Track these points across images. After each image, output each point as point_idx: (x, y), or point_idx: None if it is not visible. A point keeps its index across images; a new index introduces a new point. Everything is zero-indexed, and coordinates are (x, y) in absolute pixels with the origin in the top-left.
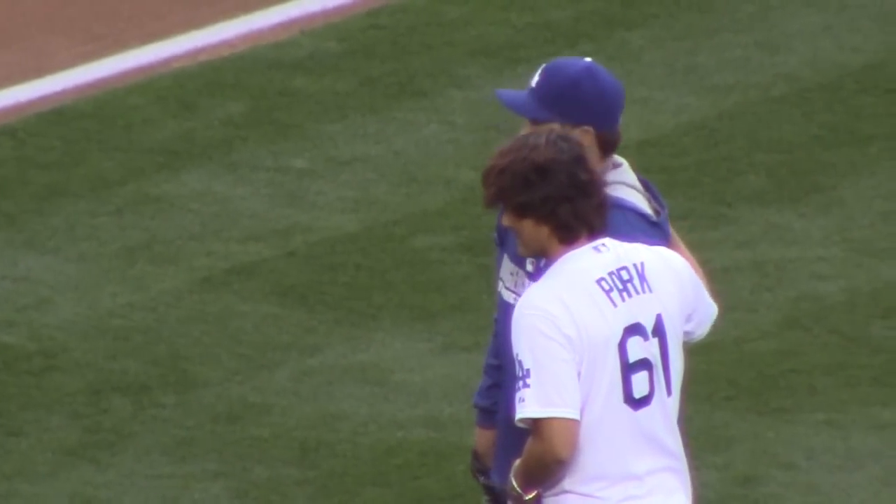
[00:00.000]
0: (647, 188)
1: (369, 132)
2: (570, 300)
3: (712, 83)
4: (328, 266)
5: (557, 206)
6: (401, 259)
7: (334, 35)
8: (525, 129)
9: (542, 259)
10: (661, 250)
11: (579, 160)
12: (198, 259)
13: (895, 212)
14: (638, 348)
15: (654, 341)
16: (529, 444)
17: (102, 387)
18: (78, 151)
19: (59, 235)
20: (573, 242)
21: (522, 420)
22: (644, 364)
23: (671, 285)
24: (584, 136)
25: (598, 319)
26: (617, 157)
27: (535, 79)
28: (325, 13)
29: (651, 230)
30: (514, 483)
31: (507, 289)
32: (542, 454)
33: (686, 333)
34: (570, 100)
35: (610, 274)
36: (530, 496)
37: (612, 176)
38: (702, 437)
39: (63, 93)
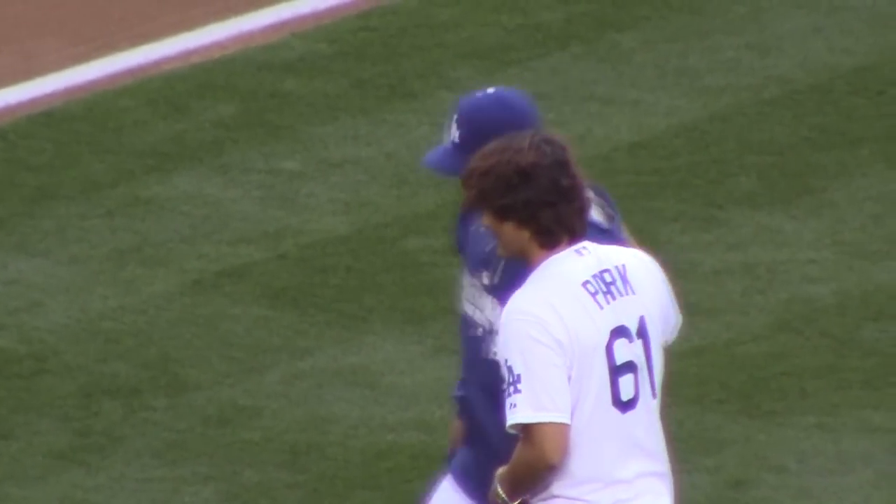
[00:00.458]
0: (600, 194)
1: (360, 134)
2: (559, 304)
3: (703, 85)
4: (319, 268)
5: (539, 210)
6: (392, 261)
7: (325, 37)
8: None
9: (497, 273)
10: (639, 253)
11: (562, 164)
12: (188, 262)
13: (886, 214)
14: (624, 351)
15: (639, 343)
16: (520, 449)
17: (93, 390)
18: (68, 154)
19: (50, 238)
20: (554, 247)
21: (514, 426)
22: (630, 367)
23: (651, 287)
24: None
25: (586, 323)
26: None
27: (454, 132)
28: (316, 15)
29: (601, 238)
30: (500, 490)
31: (466, 299)
32: (533, 460)
33: None
34: (497, 132)
35: (594, 277)
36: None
37: None
38: (692, 439)
39: (53, 95)
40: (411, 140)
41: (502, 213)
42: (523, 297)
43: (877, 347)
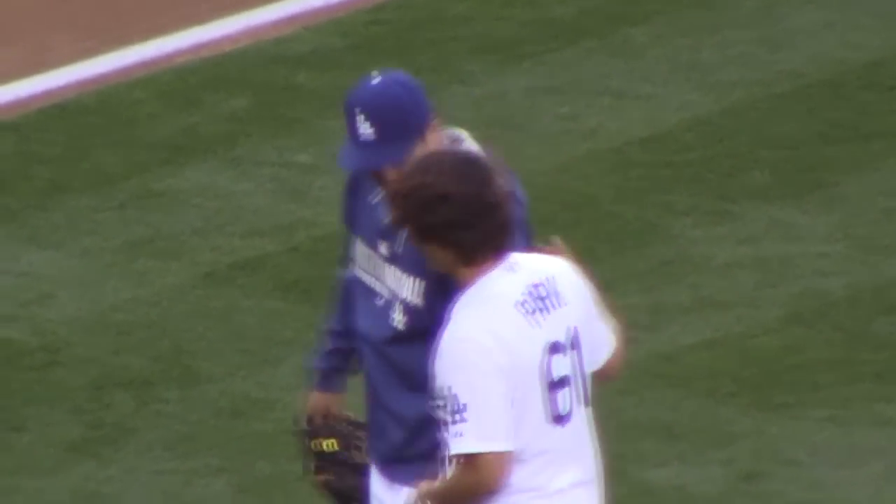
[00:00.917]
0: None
1: None
2: (499, 329)
3: (716, 79)
4: (331, 261)
5: (461, 231)
6: None
7: (337, 30)
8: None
9: (398, 243)
10: (561, 261)
11: (484, 183)
12: (201, 254)
13: None
14: (560, 365)
15: (572, 354)
16: (460, 475)
17: (105, 382)
18: (81, 147)
19: (62, 230)
20: (480, 265)
21: (458, 455)
22: (565, 381)
23: (577, 295)
24: (434, 132)
25: (525, 345)
26: (454, 131)
27: (364, 129)
28: (329, 8)
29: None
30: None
31: (363, 270)
32: (474, 486)
33: None
34: (410, 114)
35: (529, 294)
36: None
37: None
38: (705, 432)
39: (66, 88)
40: None
41: (425, 235)
42: (463, 323)
43: (889, 341)
